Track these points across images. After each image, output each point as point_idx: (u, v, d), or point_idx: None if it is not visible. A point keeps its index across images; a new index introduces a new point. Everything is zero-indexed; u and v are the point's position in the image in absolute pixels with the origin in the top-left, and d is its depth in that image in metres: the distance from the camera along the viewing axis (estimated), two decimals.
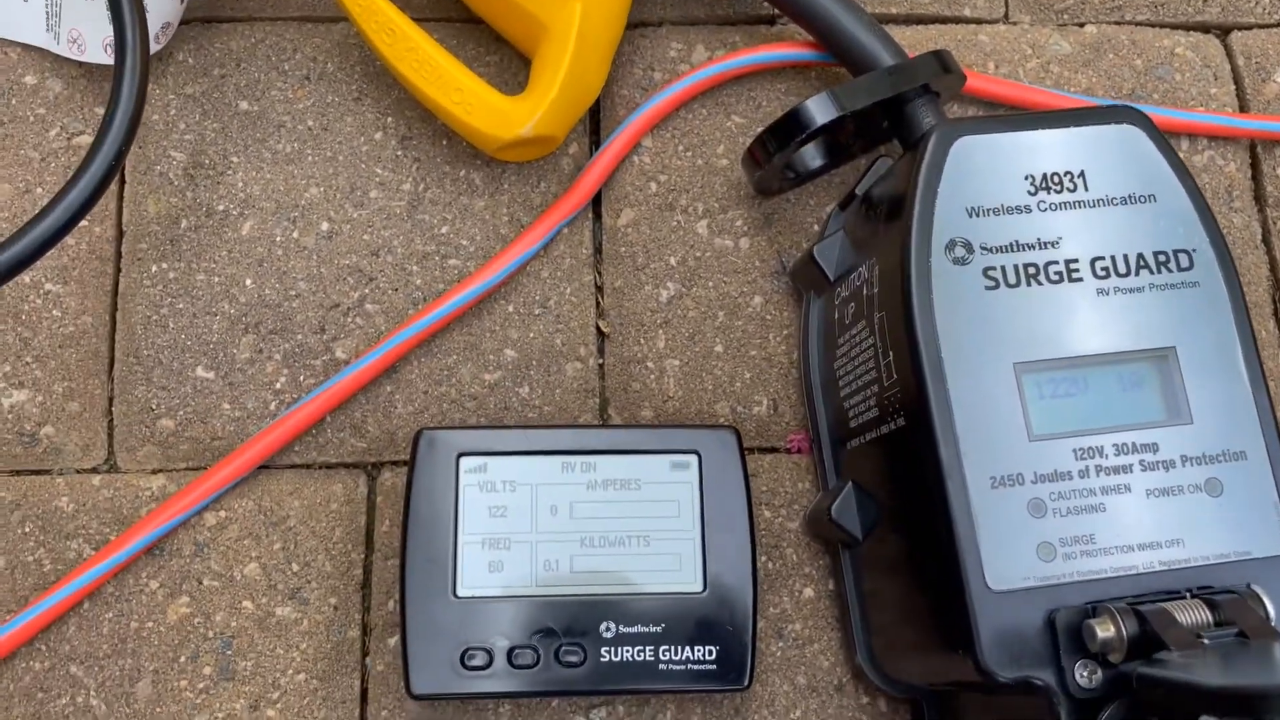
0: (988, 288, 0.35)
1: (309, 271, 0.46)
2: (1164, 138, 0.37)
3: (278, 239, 0.46)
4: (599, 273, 0.47)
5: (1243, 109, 0.51)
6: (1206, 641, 0.30)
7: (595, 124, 0.49)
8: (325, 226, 0.46)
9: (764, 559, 0.44)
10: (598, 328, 0.47)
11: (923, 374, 0.35)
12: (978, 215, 0.36)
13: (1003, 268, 0.35)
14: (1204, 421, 0.35)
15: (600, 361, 0.46)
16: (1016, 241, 0.36)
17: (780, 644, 0.43)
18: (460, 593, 0.40)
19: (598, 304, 0.47)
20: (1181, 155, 0.50)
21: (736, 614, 0.40)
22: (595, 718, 0.42)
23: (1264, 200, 0.50)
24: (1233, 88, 0.51)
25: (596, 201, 0.48)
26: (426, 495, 0.40)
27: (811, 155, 0.47)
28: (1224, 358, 0.35)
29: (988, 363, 0.35)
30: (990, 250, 0.36)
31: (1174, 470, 0.34)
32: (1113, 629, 0.31)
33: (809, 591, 0.44)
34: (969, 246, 0.36)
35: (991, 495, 0.34)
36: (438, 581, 0.40)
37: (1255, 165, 0.50)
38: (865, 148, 0.47)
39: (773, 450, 0.46)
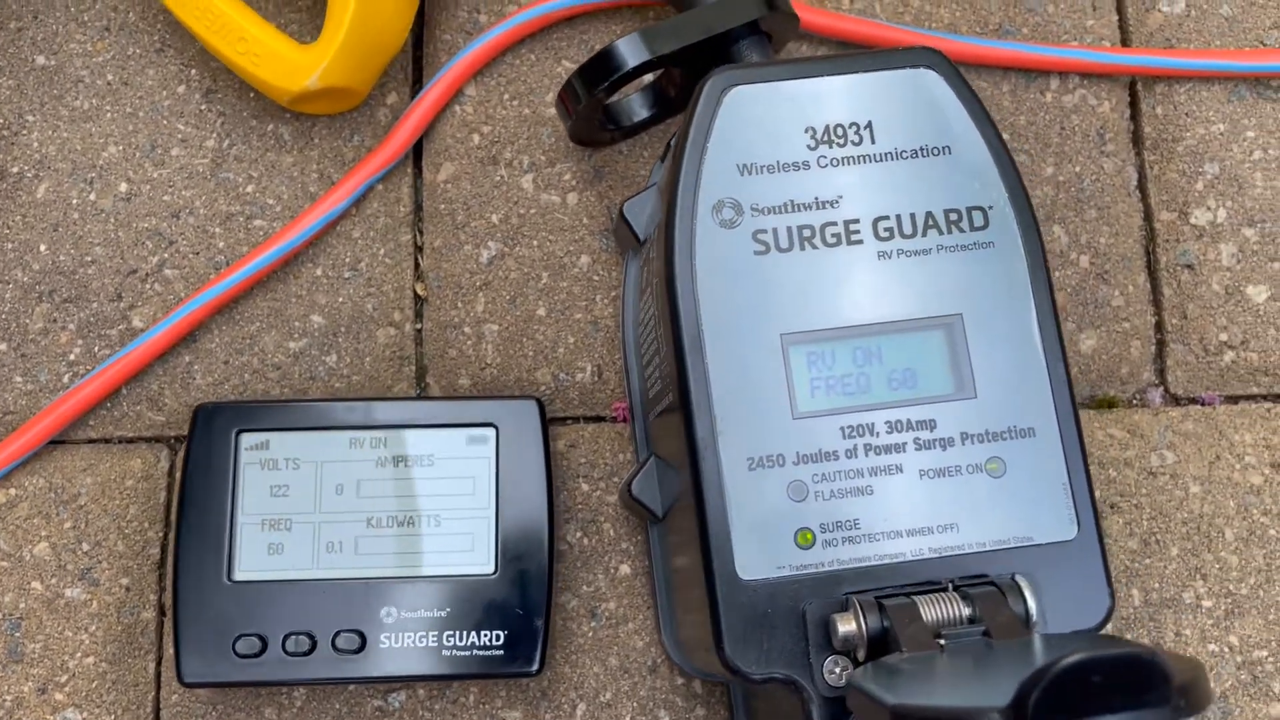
0: (757, 252, 0.33)
1: (106, 235, 0.44)
2: (965, 81, 0.34)
3: (74, 201, 0.44)
4: (419, 232, 0.45)
5: (1125, 43, 0.47)
6: (943, 643, 0.28)
7: (417, 72, 0.46)
8: (124, 187, 0.44)
9: (580, 534, 0.42)
10: (415, 291, 0.44)
11: (681, 346, 0.32)
12: (750, 173, 0.33)
13: (774, 230, 0.33)
14: (989, 396, 0.32)
15: (418, 327, 0.44)
16: (791, 201, 0.33)
17: (593, 624, 0.41)
18: (236, 576, 0.38)
19: (417, 265, 0.44)
20: (1050, 95, 0.46)
21: (529, 596, 0.38)
22: (394, 701, 0.40)
23: (1141, 142, 0.46)
24: (1114, 18, 0.47)
25: (419, 156, 0.45)
26: (202, 474, 0.39)
27: (638, 104, 0.44)
28: (1017, 326, 0.32)
29: (752, 334, 0.32)
30: (761, 211, 0.33)
31: (952, 449, 0.32)
32: (854, 624, 0.29)
33: (625, 568, 0.42)
34: (738, 208, 0.33)
35: (748, 477, 0.31)
36: (211, 565, 0.38)
37: (1134, 104, 0.47)
38: None
39: (597, 419, 0.43)
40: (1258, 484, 0.43)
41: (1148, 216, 0.46)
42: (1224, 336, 0.44)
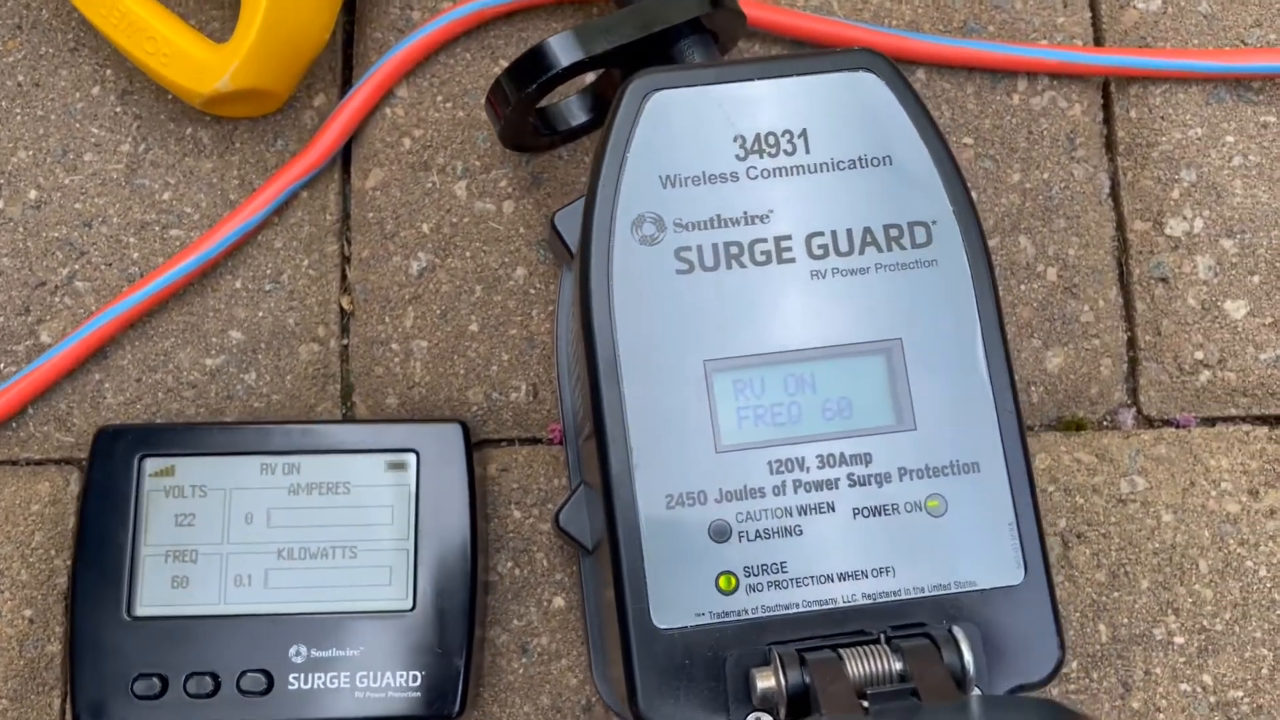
0: (679, 271, 0.30)
1: (14, 245, 0.41)
2: (910, 87, 0.31)
3: None
4: (346, 242, 0.42)
5: (1098, 42, 0.45)
6: (866, 705, 0.25)
7: (347, 73, 0.44)
8: (33, 195, 0.42)
9: (511, 564, 0.39)
10: (340, 305, 0.42)
11: (596, 372, 0.30)
12: (674, 185, 0.30)
13: (699, 247, 0.30)
14: (930, 428, 0.29)
15: (344, 343, 0.42)
16: (718, 216, 0.30)
17: (524, 660, 0.39)
18: (137, 612, 0.36)
19: (344, 277, 0.42)
20: (1018, 97, 0.44)
21: (449, 634, 0.36)
22: None
23: (1114, 148, 0.44)
24: (1087, 15, 0.45)
25: (347, 162, 0.43)
26: (103, 501, 0.36)
27: (576, 108, 0.41)
28: (961, 351, 0.30)
29: (673, 360, 0.30)
30: (685, 227, 0.30)
31: (889, 485, 0.29)
32: (773, 680, 0.26)
33: (559, 601, 0.39)
34: (660, 223, 0.30)
35: (666, 516, 0.29)
36: (110, 600, 0.35)
37: (1107, 106, 0.44)
38: None
39: (533, 441, 0.41)
40: (1234, 512, 0.40)
41: (1120, 226, 0.43)
42: (1200, 355, 0.42)
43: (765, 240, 0.30)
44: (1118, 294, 0.42)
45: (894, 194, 0.30)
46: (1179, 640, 0.39)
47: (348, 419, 0.40)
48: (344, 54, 0.44)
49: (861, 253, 0.30)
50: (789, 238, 0.30)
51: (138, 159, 0.42)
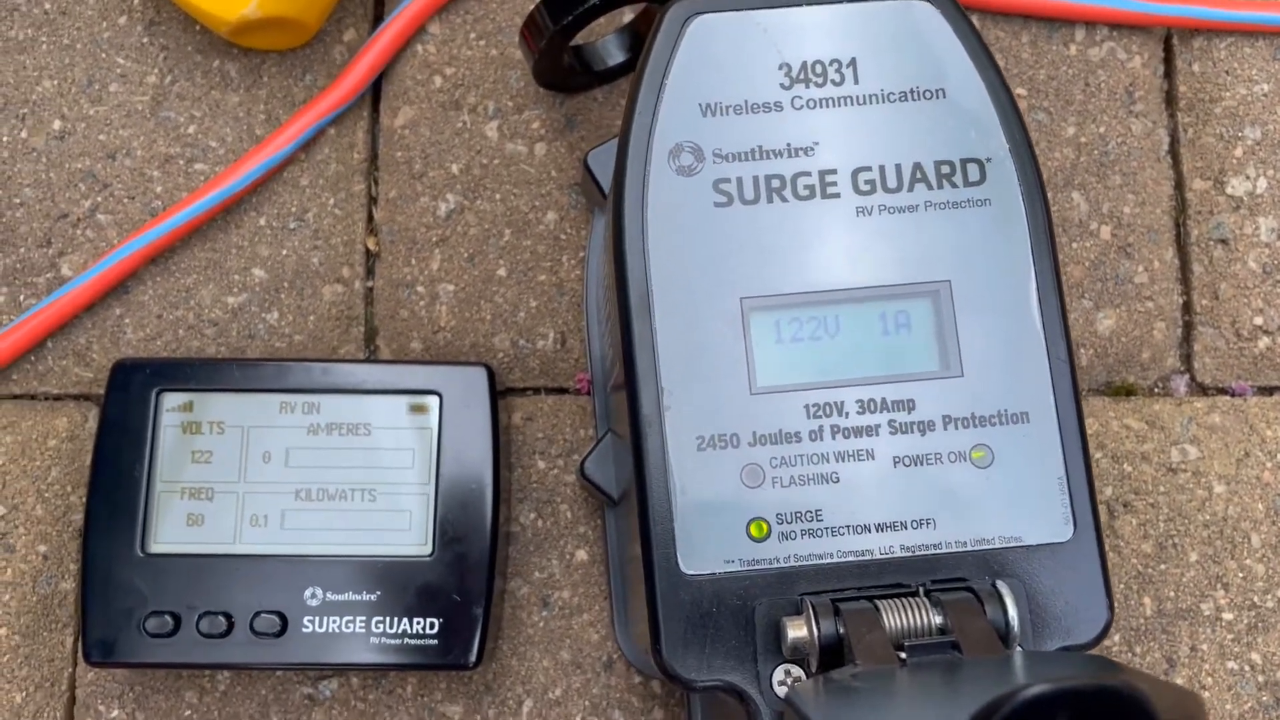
0: (718, 204, 0.29)
1: (37, 176, 0.40)
2: (966, 17, 0.29)
3: (4, 139, 0.41)
4: (373, 181, 0.41)
5: None
6: (903, 656, 0.24)
7: (380, 7, 0.42)
8: (57, 125, 0.41)
9: (534, 515, 0.38)
10: (366, 246, 0.41)
11: (627, 308, 0.28)
12: (714, 114, 0.29)
13: (739, 180, 0.29)
14: (978, 375, 0.28)
15: (368, 285, 0.40)
16: (760, 147, 0.29)
17: (545, 613, 0.38)
18: (151, 549, 0.35)
19: (370, 217, 0.41)
20: (1075, 48, 0.42)
21: (468, 582, 0.35)
22: (325, 689, 0.37)
23: (1175, 103, 0.42)
24: None
25: (376, 99, 0.42)
26: (119, 436, 0.35)
27: (613, 47, 0.40)
28: (1014, 296, 0.28)
29: (708, 296, 0.28)
30: (725, 158, 0.29)
31: (932, 434, 0.28)
32: (805, 630, 0.25)
33: (582, 554, 0.38)
34: (699, 153, 0.29)
35: (697, 458, 0.27)
36: (124, 535, 0.35)
37: (1169, 59, 0.42)
38: None
39: (559, 391, 0.40)
40: None
41: (1179, 185, 0.41)
42: (1259, 320, 0.40)
43: (809, 174, 0.29)
44: (1174, 255, 0.41)
45: (947, 129, 0.29)
46: (1227, 616, 0.38)
47: (367, 359, 0.39)
48: None
49: (910, 190, 0.29)
50: (834, 172, 0.29)
51: (164, 91, 0.41)
